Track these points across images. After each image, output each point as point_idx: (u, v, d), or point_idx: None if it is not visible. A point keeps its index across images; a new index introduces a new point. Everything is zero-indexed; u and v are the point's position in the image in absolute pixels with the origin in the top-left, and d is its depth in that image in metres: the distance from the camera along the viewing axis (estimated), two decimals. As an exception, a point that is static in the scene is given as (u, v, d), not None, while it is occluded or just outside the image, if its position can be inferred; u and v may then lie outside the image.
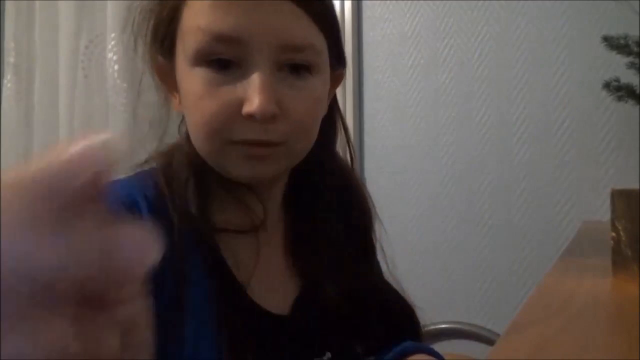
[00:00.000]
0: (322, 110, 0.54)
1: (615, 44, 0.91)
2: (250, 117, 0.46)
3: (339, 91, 0.61)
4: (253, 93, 0.46)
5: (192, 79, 0.48)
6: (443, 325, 1.29)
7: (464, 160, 1.30)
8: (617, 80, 0.93)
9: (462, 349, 1.26)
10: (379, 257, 0.66)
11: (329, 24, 0.51)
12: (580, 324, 0.46)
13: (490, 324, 1.25)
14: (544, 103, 1.21)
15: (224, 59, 0.47)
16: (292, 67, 0.48)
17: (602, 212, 1.14)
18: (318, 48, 0.49)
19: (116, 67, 1.55)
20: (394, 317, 0.62)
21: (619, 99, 0.93)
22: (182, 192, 0.51)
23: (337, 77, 0.58)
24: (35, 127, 1.71)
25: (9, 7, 1.80)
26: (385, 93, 1.40)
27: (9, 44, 1.78)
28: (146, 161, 0.56)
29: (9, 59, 1.78)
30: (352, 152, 0.64)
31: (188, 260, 0.49)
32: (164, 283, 0.48)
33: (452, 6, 1.32)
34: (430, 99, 1.35)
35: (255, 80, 0.46)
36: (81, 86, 1.62)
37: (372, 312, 0.60)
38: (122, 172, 0.56)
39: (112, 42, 1.56)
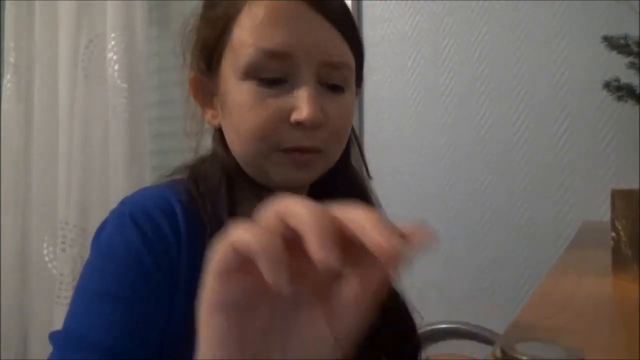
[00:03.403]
0: (351, 124, 0.59)
1: (615, 44, 0.91)
2: (299, 124, 0.51)
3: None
4: (302, 102, 0.51)
5: (240, 91, 0.52)
6: (443, 325, 1.29)
7: (464, 160, 1.30)
8: (617, 80, 0.93)
9: (462, 349, 1.26)
10: None
11: (358, 48, 0.57)
12: (580, 324, 0.46)
13: (490, 324, 1.25)
14: (544, 103, 1.21)
15: (272, 77, 0.51)
16: (328, 84, 0.54)
17: (602, 212, 1.14)
18: (351, 67, 0.55)
19: (116, 67, 1.55)
20: (396, 328, 0.63)
21: (619, 99, 0.93)
22: (213, 198, 0.55)
23: None
24: (35, 127, 1.71)
25: (9, 7, 1.79)
26: (385, 93, 1.40)
27: (9, 44, 1.78)
28: (175, 171, 0.60)
29: (9, 59, 1.78)
30: (367, 167, 0.68)
31: None
32: (194, 280, 0.50)
33: (452, 6, 1.32)
34: (430, 99, 1.35)
35: (304, 91, 0.51)
36: (81, 86, 1.62)
37: (381, 321, 0.60)
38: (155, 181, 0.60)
39: (112, 42, 1.56)
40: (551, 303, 0.53)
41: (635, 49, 0.88)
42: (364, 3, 1.43)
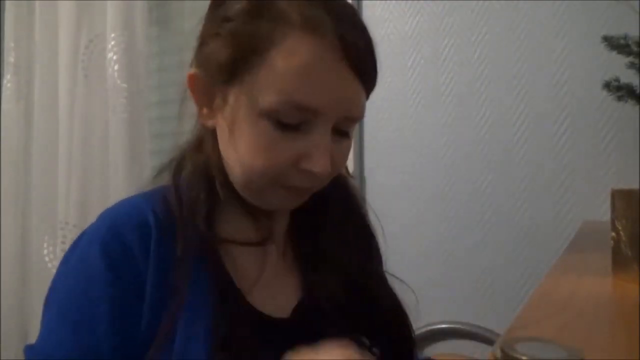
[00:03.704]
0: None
1: (615, 44, 0.91)
2: (310, 172, 0.52)
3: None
4: (317, 156, 0.52)
5: (253, 131, 0.52)
6: (443, 325, 1.29)
7: (464, 160, 1.30)
8: (617, 80, 0.93)
9: (462, 349, 1.26)
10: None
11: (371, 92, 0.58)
12: (580, 324, 0.46)
13: (490, 324, 1.25)
14: (544, 103, 1.21)
15: (291, 123, 0.51)
16: (338, 130, 0.55)
17: (602, 212, 1.14)
18: (364, 116, 0.57)
19: (116, 67, 1.55)
20: (387, 320, 0.64)
21: (619, 99, 0.93)
22: (191, 207, 0.56)
23: None
24: (35, 127, 1.71)
25: (9, 7, 1.80)
26: (385, 93, 1.40)
27: (8, 44, 1.78)
28: (159, 172, 0.61)
29: (9, 58, 1.78)
30: (346, 167, 0.69)
31: (190, 267, 0.53)
32: (166, 287, 0.51)
33: (452, 6, 1.32)
34: (430, 99, 1.35)
35: (320, 145, 0.52)
36: (81, 86, 1.62)
37: (370, 314, 0.61)
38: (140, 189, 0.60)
39: (112, 42, 1.56)
40: (551, 303, 0.53)
41: (635, 49, 0.88)
42: (364, 3, 1.43)
